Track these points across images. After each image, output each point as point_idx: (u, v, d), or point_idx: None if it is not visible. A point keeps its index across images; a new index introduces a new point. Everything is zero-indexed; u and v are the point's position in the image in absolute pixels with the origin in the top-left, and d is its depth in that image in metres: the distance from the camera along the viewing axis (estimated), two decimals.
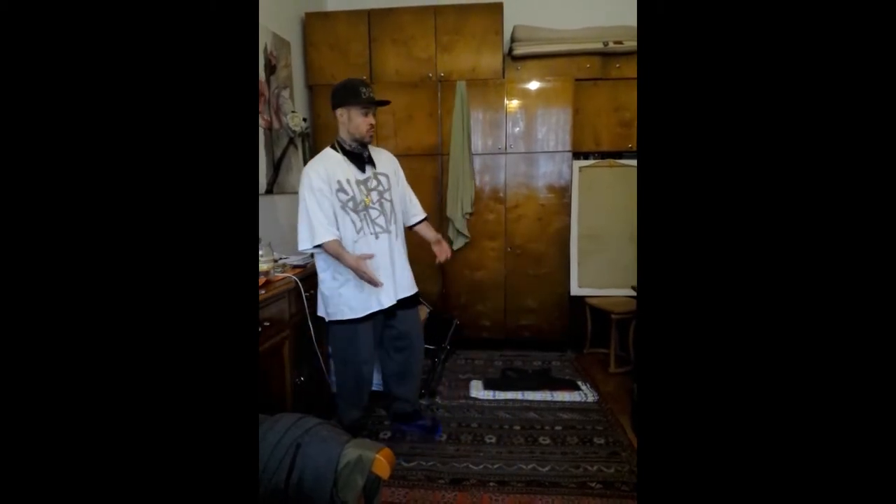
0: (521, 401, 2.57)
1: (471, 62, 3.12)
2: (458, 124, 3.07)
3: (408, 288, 2.08)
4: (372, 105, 1.90)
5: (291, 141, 2.94)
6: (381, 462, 1.13)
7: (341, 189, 1.90)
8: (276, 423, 1.21)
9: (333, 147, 1.98)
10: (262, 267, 1.88)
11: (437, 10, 3.09)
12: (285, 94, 2.88)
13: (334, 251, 1.88)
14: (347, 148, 1.95)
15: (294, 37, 3.08)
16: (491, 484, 1.87)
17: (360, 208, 1.92)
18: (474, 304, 3.28)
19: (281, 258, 2.18)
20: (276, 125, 2.76)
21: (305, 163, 3.11)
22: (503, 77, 3.15)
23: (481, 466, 1.99)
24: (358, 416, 2.17)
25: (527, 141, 3.16)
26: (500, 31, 3.08)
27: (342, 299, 1.97)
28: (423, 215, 2.19)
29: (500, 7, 3.06)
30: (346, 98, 1.89)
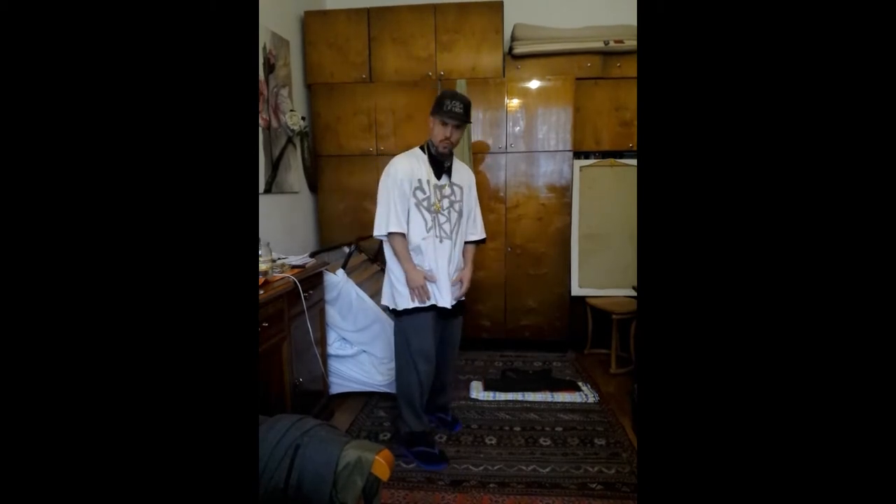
0: (522, 402, 2.56)
1: (471, 61, 3.11)
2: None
3: (455, 296, 2.09)
4: (450, 120, 1.91)
5: (290, 140, 2.93)
6: (381, 463, 1.12)
7: (420, 187, 1.98)
8: (276, 424, 1.20)
9: (422, 148, 2.06)
10: (261, 267, 1.87)
11: (436, 9, 3.08)
12: (284, 92, 2.87)
13: (400, 247, 1.96)
14: (433, 152, 2.02)
15: (293, 35, 3.07)
16: (491, 485, 1.86)
17: (433, 210, 1.99)
18: (474, 305, 3.27)
19: (280, 258, 2.17)
20: (274, 124, 2.75)
21: (304, 162, 3.11)
22: (503, 76, 3.14)
23: (481, 468, 1.98)
24: (426, 423, 2.11)
25: (527, 140, 3.15)
26: (500, 30, 3.08)
27: (402, 288, 2.01)
28: (480, 236, 2.19)
29: (500, 6, 3.06)
30: (435, 107, 1.96)
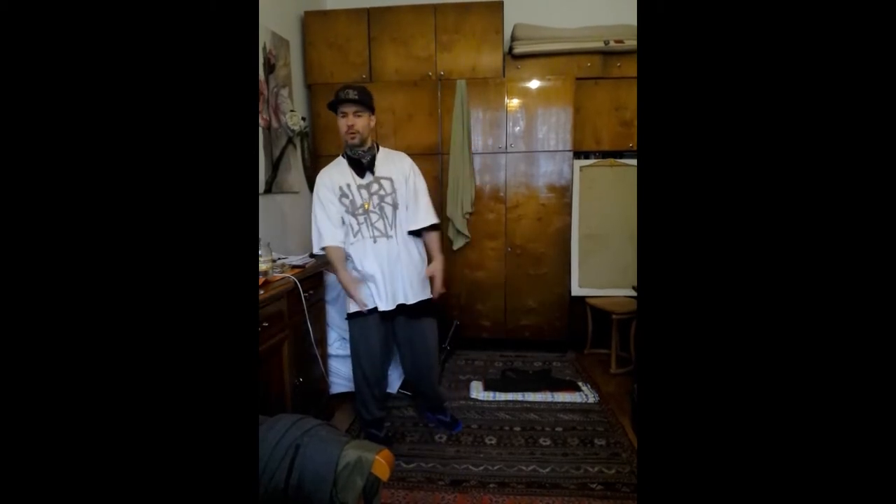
0: (522, 402, 2.56)
1: (471, 61, 3.11)
2: (458, 123, 3.06)
3: (404, 296, 2.05)
4: (347, 105, 1.90)
5: (290, 140, 2.93)
6: (381, 463, 1.12)
7: (344, 194, 1.99)
8: (276, 424, 1.20)
9: (343, 154, 2.05)
10: (261, 267, 1.87)
11: (436, 9, 3.08)
12: (284, 93, 2.87)
13: (332, 257, 2.00)
14: (349, 154, 2.01)
15: (293, 35, 3.07)
16: (491, 485, 1.86)
17: (360, 212, 1.98)
18: (474, 305, 3.27)
19: (280, 258, 2.17)
20: (274, 124, 2.75)
21: (304, 162, 3.11)
22: (503, 76, 3.14)
23: (481, 468, 1.98)
24: (374, 412, 2.18)
25: (527, 140, 3.15)
26: (500, 30, 3.08)
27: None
28: (426, 223, 2.07)
29: (500, 6, 3.05)
30: (330, 105, 1.96)
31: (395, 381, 2.53)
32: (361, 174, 2.00)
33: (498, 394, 2.62)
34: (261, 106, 2.61)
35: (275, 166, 2.74)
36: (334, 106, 1.93)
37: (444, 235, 3.01)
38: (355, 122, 1.92)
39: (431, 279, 2.13)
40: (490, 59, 3.11)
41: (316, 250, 2.05)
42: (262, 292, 1.73)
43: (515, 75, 3.17)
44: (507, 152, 3.16)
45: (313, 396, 2.22)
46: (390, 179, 2.02)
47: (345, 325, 2.48)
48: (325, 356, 2.40)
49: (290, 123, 2.87)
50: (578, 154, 3.24)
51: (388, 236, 2.00)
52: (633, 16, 2.77)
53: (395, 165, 2.05)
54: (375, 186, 2.00)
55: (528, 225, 3.20)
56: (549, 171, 3.16)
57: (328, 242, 1.98)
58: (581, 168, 3.28)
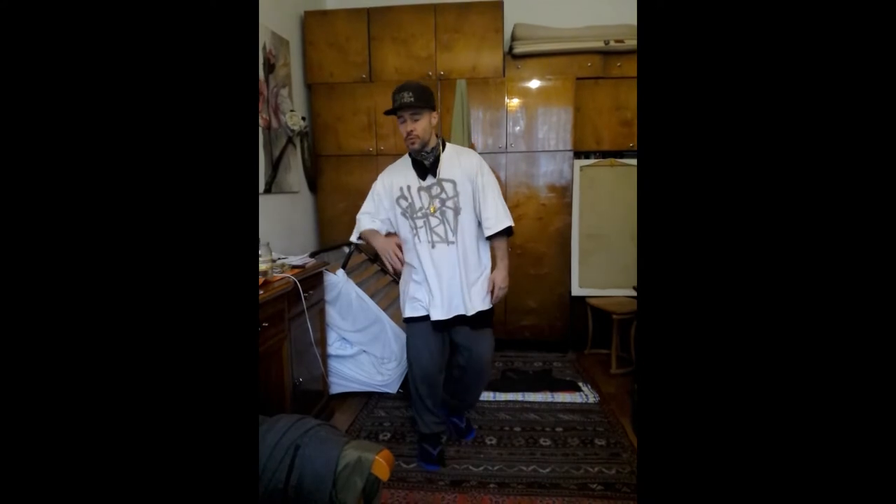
0: (522, 402, 2.56)
1: (471, 60, 3.11)
2: (458, 123, 3.05)
3: (463, 307, 1.89)
4: (403, 110, 1.76)
5: (290, 140, 2.92)
6: (381, 463, 1.12)
7: (402, 196, 1.89)
8: (275, 424, 1.20)
9: (410, 153, 1.91)
10: (261, 267, 1.86)
11: (436, 9, 3.08)
12: (284, 92, 2.87)
13: (368, 234, 1.94)
14: (413, 155, 1.89)
15: (293, 35, 3.07)
16: (491, 485, 1.85)
17: (419, 216, 1.87)
18: None
19: (279, 258, 2.17)
20: (274, 124, 2.75)
21: (304, 162, 3.11)
22: (503, 75, 3.13)
23: (481, 468, 1.97)
24: (431, 426, 2.01)
25: (527, 140, 3.14)
26: (500, 30, 3.07)
27: (406, 297, 1.98)
28: (498, 228, 1.88)
29: (500, 5, 3.05)
30: (390, 110, 1.81)
31: (395, 382, 2.53)
32: (423, 176, 1.87)
33: (498, 394, 2.62)
34: (260, 106, 2.60)
35: (274, 166, 2.74)
36: (393, 112, 1.79)
37: None
38: (414, 127, 1.77)
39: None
40: (490, 59, 3.10)
41: (352, 239, 2.02)
42: (261, 292, 1.72)
43: (516, 75, 3.16)
44: (507, 152, 3.16)
45: (313, 397, 2.22)
46: (453, 182, 1.85)
47: (344, 325, 2.49)
48: (325, 356, 2.39)
49: (289, 123, 2.87)
50: (579, 154, 3.24)
51: (448, 242, 1.86)
52: (633, 15, 2.76)
53: (460, 166, 1.87)
54: (437, 189, 1.85)
55: (529, 225, 3.20)
56: (549, 170, 3.16)
57: (362, 227, 1.94)
58: (581, 168, 3.27)
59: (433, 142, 1.86)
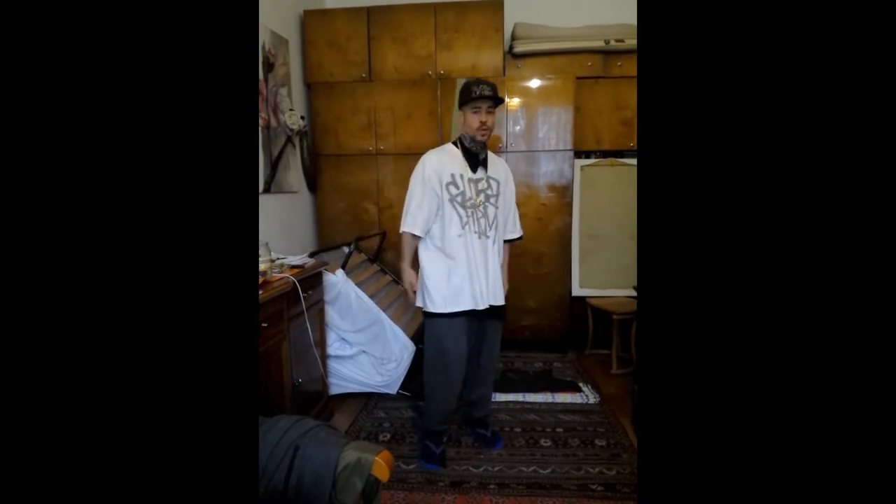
0: (522, 402, 2.55)
1: (471, 60, 3.10)
2: (458, 122, 3.04)
3: (496, 298, 1.98)
4: (483, 101, 1.85)
5: (289, 139, 2.91)
6: (380, 464, 1.11)
7: (453, 182, 1.90)
8: (275, 425, 1.19)
9: (455, 143, 1.98)
10: (260, 267, 1.85)
11: (436, 8, 3.07)
12: (283, 91, 2.86)
13: (406, 247, 1.95)
14: (467, 145, 1.94)
15: (292, 34, 3.06)
16: (491, 486, 1.85)
17: (469, 205, 1.91)
18: None
19: (279, 258, 2.15)
20: (273, 123, 2.74)
21: (303, 161, 3.10)
22: (504, 75, 3.13)
23: (482, 469, 1.97)
24: (444, 423, 2.05)
25: (527, 139, 3.14)
26: (500, 29, 3.07)
27: (438, 291, 1.93)
28: (517, 234, 2.11)
29: (500, 4, 3.05)
30: (462, 97, 1.90)
31: (395, 382, 2.52)
32: (475, 169, 1.93)
33: (498, 394, 2.60)
34: (260, 105, 2.59)
35: (273, 166, 2.73)
36: (464, 100, 1.87)
37: None
38: (488, 119, 1.88)
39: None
40: (490, 58, 3.09)
41: (404, 229, 1.93)
42: (260, 293, 1.71)
43: (516, 74, 3.16)
44: (507, 151, 3.15)
45: (312, 397, 2.21)
46: (497, 181, 1.97)
47: (344, 325, 2.48)
48: (325, 357, 2.38)
49: (289, 122, 2.86)
50: (579, 153, 3.23)
51: (487, 236, 1.93)
52: (633, 15, 2.76)
53: (502, 170, 2.02)
54: (484, 184, 1.94)
55: (529, 224, 3.18)
56: (549, 170, 3.15)
57: (409, 229, 1.90)
58: (582, 167, 3.27)
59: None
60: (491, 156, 2.01)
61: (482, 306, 1.93)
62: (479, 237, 1.92)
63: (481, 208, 1.93)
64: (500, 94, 1.89)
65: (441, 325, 1.94)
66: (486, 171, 1.95)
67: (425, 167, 1.91)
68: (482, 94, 1.83)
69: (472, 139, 1.91)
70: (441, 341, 1.95)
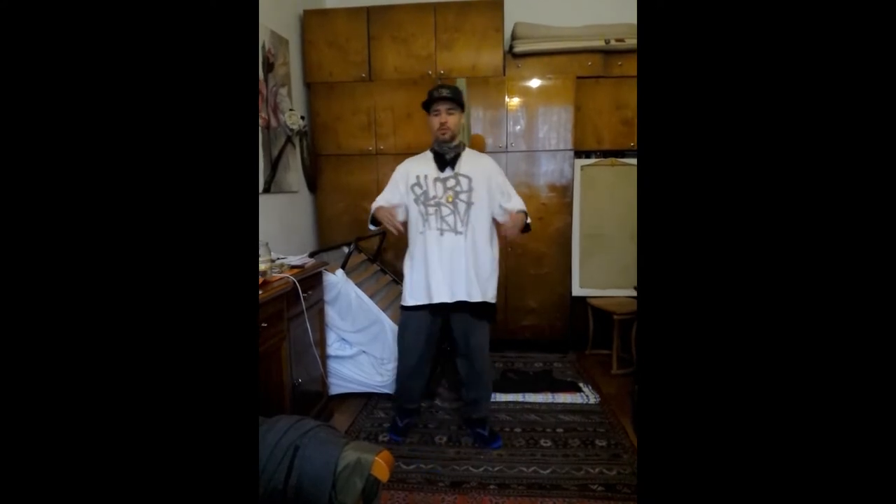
0: (522, 403, 2.55)
1: (471, 60, 3.10)
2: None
3: (467, 294, 2.02)
4: (441, 103, 1.99)
5: (289, 139, 2.91)
6: (380, 464, 1.11)
7: (417, 183, 2.05)
8: (275, 425, 1.19)
9: (430, 148, 2.12)
10: (260, 267, 1.85)
11: (436, 8, 3.07)
12: (283, 91, 2.86)
13: (374, 212, 2.08)
14: (434, 147, 2.08)
15: (292, 34, 3.06)
16: (491, 487, 1.84)
17: (432, 204, 2.03)
18: None
19: (279, 258, 2.15)
20: (273, 123, 2.74)
21: (303, 161, 3.10)
22: (504, 75, 3.13)
23: (482, 469, 1.96)
24: (406, 404, 2.25)
25: (528, 139, 3.13)
26: (500, 29, 3.06)
27: (405, 284, 2.12)
28: (518, 208, 2.08)
29: (500, 4, 3.04)
30: (425, 103, 2.05)
31: (395, 383, 2.51)
32: (442, 168, 2.05)
33: (498, 395, 2.60)
34: (259, 105, 2.59)
35: (273, 166, 2.73)
36: (427, 105, 2.03)
37: None
38: (448, 119, 2.00)
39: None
40: (490, 58, 3.09)
41: (370, 227, 2.16)
42: (260, 293, 1.71)
43: (516, 74, 3.15)
44: (507, 151, 3.15)
45: (312, 398, 2.21)
46: (469, 178, 2.04)
47: (344, 325, 2.48)
48: (324, 357, 2.38)
49: (289, 122, 2.86)
50: (579, 153, 3.23)
51: (457, 232, 2.01)
52: (633, 14, 2.75)
53: (478, 166, 2.08)
54: (452, 182, 2.03)
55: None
56: (549, 170, 3.15)
57: (375, 204, 2.09)
58: (582, 167, 3.26)
59: (457, 140, 2.06)
60: (468, 154, 2.10)
61: (443, 299, 2.02)
62: (443, 233, 2.02)
63: (450, 205, 2.02)
64: (461, 99, 2.04)
65: (404, 316, 2.14)
66: (455, 169, 2.05)
67: (397, 170, 2.14)
68: (439, 96, 1.99)
69: (437, 140, 2.05)
70: (402, 331, 2.16)
